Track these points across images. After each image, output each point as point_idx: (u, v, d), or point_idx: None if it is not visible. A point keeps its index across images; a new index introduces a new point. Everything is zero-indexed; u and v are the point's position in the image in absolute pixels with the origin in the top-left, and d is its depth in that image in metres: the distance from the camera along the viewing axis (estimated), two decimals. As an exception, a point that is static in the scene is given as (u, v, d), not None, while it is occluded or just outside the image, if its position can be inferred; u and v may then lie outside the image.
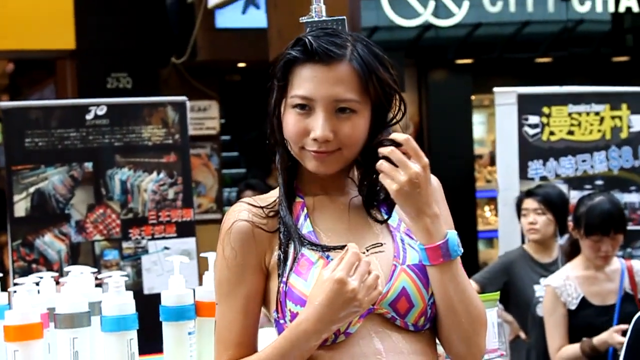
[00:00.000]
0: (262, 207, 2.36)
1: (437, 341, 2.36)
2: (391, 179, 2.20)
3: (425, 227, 2.22)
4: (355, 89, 2.24)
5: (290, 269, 2.26)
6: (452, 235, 2.24)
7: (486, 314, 2.35)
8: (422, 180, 2.20)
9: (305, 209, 2.35)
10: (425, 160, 2.23)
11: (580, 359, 5.03)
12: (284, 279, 2.27)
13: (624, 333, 4.88)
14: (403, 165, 2.20)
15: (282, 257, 2.30)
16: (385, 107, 2.31)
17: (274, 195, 2.41)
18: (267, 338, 3.27)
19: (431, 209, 2.22)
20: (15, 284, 3.11)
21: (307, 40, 2.27)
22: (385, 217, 2.36)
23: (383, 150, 2.21)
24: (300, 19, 3.00)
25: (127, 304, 3.00)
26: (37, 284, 3.31)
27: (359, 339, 2.24)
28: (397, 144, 2.22)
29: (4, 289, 3.32)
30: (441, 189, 2.42)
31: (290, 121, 2.29)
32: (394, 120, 2.34)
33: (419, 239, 2.25)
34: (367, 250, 2.30)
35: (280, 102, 2.33)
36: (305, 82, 2.26)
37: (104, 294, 3.23)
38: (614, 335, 4.91)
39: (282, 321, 2.30)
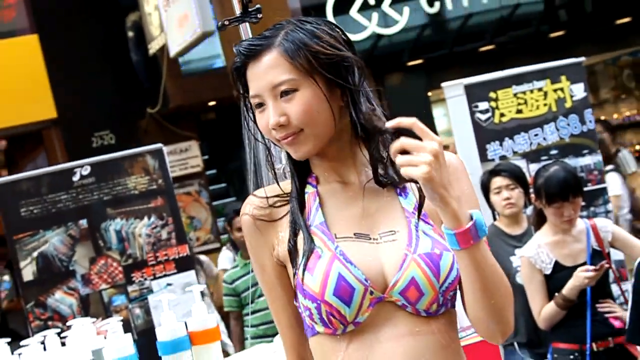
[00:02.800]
0: (266, 197, 2.31)
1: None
2: (415, 166, 1.99)
3: (454, 212, 2.03)
4: (286, 70, 2.17)
5: (302, 264, 2.19)
6: (478, 215, 2.06)
7: (510, 288, 2.19)
8: (442, 157, 2.01)
9: (317, 198, 2.27)
10: (438, 137, 2.03)
11: (559, 313, 5.05)
12: (296, 272, 2.21)
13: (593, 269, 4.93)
14: (421, 148, 2.00)
15: (292, 249, 2.24)
16: (335, 72, 2.19)
17: (289, 184, 2.35)
18: (256, 353, 3.29)
19: (454, 190, 2.04)
20: (20, 346, 3.12)
21: (238, 48, 2.25)
22: (402, 198, 2.25)
23: (395, 146, 2.01)
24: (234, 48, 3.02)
25: (126, 347, 3.02)
26: (43, 342, 3.32)
27: (373, 325, 2.18)
28: (401, 131, 2.03)
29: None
30: (463, 166, 2.28)
31: (258, 121, 2.25)
32: (356, 79, 2.21)
33: (447, 224, 2.05)
34: (380, 238, 2.21)
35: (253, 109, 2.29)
36: (251, 82, 2.23)
37: (105, 340, 3.24)
38: (579, 275, 4.93)
39: (300, 310, 2.25)
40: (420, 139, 2.02)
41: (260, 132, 2.29)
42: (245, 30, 3.01)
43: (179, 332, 3.07)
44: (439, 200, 2.03)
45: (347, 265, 2.16)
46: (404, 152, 2.02)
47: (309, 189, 2.31)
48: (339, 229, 2.23)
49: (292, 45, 2.19)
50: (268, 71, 2.19)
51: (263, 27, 3.03)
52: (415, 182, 2.08)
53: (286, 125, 2.19)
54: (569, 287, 4.96)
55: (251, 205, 2.33)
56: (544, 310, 5.10)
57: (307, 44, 2.19)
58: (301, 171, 2.32)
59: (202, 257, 9.12)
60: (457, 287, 2.22)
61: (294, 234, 2.26)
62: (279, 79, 2.18)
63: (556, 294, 5.03)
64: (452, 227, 2.05)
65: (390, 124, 2.06)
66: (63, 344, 3.38)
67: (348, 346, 2.20)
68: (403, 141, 2.02)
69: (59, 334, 3.39)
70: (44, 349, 3.28)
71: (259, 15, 3.01)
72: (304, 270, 2.18)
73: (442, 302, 2.19)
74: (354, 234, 2.22)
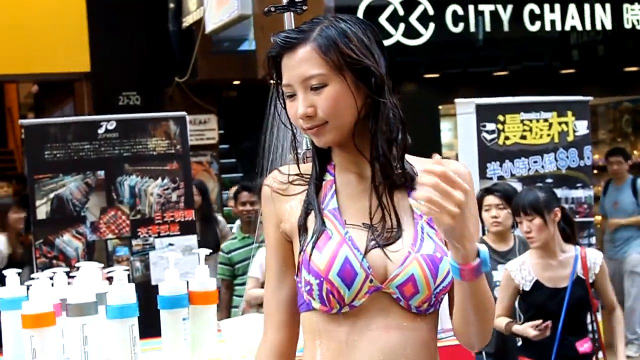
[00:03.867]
0: (287, 174, 2.33)
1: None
2: (440, 212, 1.93)
3: (464, 250, 2.01)
4: (318, 64, 2.18)
5: (311, 242, 2.20)
6: (485, 254, 2.04)
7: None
8: (464, 207, 1.96)
9: (334, 186, 2.29)
10: (466, 186, 1.97)
11: (503, 332, 5.12)
12: (304, 248, 2.22)
13: (538, 328, 4.93)
14: (449, 195, 1.94)
15: (301, 227, 2.26)
16: (362, 74, 2.19)
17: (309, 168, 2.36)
18: (252, 322, 3.29)
19: (470, 232, 2.01)
20: (31, 279, 3.13)
21: (275, 38, 2.26)
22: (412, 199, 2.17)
23: (426, 181, 1.93)
24: (271, 37, 3.01)
25: (129, 295, 3.02)
26: (52, 278, 3.33)
27: (366, 311, 2.19)
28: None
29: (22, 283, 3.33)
30: (471, 177, 2.25)
31: (288, 109, 2.27)
32: (377, 81, 2.19)
33: (455, 257, 2.03)
34: (387, 232, 2.22)
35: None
36: (284, 72, 2.24)
37: (110, 286, 3.25)
38: (528, 330, 4.96)
39: (299, 285, 2.25)
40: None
41: (288, 118, 2.30)
42: (289, 19, 3.00)
43: (180, 289, 3.08)
44: (453, 242, 2.02)
45: (354, 250, 2.17)
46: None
47: (327, 177, 2.32)
48: (349, 217, 2.24)
49: (325, 41, 2.19)
50: (301, 64, 2.20)
51: (297, 20, 3.05)
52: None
53: (313, 117, 2.20)
54: (519, 330, 5.00)
55: (273, 179, 2.35)
56: (498, 319, 5.11)
57: (338, 43, 2.19)
58: (322, 158, 2.33)
59: (219, 217, 9.14)
60: (448, 292, 2.23)
61: (305, 213, 2.27)
62: (310, 72, 2.19)
63: (510, 320, 5.07)
64: (459, 262, 2.04)
65: (425, 171, 1.96)
66: (68, 284, 3.39)
67: (339, 326, 2.21)
68: (438, 183, 1.94)
69: (67, 273, 3.41)
70: (52, 285, 3.30)
71: (304, 7, 3.00)
72: (313, 247, 2.20)
73: (432, 303, 2.20)
74: (362, 224, 2.23)
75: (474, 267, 2.03)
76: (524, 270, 5.12)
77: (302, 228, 2.26)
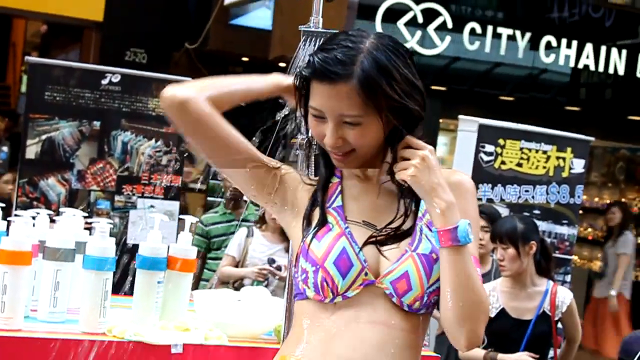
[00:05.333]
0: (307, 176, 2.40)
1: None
2: (405, 169, 2.15)
3: (441, 211, 2.14)
4: (357, 105, 2.14)
5: (312, 232, 2.25)
6: (463, 223, 2.14)
7: (487, 305, 2.25)
8: (431, 160, 2.14)
9: (339, 187, 2.33)
10: (429, 146, 2.18)
11: None
12: (304, 239, 2.26)
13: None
14: (412, 153, 2.15)
15: (305, 220, 2.29)
16: (401, 110, 2.18)
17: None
18: (225, 297, 3.28)
19: (447, 195, 2.15)
20: (15, 215, 3.11)
21: (313, 59, 2.19)
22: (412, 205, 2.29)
23: (399, 152, 2.19)
24: (300, 27, 2.99)
25: (108, 248, 3.01)
26: (34, 218, 3.31)
27: (357, 304, 2.22)
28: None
29: (4, 218, 3.31)
30: (474, 189, 2.33)
31: (312, 126, 2.25)
32: (415, 120, 2.21)
33: (434, 222, 2.16)
34: (386, 231, 2.25)
35: (307, 106, 2.26)
36: (316, 95, 2.19)
37: (90, 236, 3.23)
38: (522, 357, 4.95)
39: (295, 275, 2.28)
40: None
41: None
42: (317, 4, 2.98)
43: (160, 252, 3.06)
44: (426, 200, 2.16)
45: (352, 243, 2.22)
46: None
47: (334, 179, 2.36)
48: (350, 214, 2.29)
49: (368, 83, 2.14)
50: (339, 100, 2.16)
51: (326, 8, 3.03)
52: (407, 184, 2.18)
53: (341, 146, 2.21)
54: (505, 359, 4.98)
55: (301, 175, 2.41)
56: (471, 351, 5.10)
57: (383, 85, 2.14)
58: (330, 163, 2.34)
59: None
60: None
61: (310, 208, 2.31)
62: (348, 112, 2.16)
63: (490, 349, 5.04)
64: (437, 226, 2.15)
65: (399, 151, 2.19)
66: (50, 227, 3.37)
67: (330, 316, 2.24)
68: (401, 151, 2.18)
69: (49, 216, 3.39)
70: (33, 225, 3.28)
71: (334, -5, 2.99)
72: (312, 237, 2.24)
73: (424, 302, 2.23)
74: (363, 221, 2.27)
75: (448, 231, 2.14)
76: (492, 296, 5.12)
77: (306, 222, 2.30)
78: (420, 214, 2.28)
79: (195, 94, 2.24)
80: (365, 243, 2.23)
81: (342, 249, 2.21)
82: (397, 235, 2.25)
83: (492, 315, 5.07)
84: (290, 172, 2.38)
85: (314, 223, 2.28)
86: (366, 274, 2.21)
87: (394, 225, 2.25)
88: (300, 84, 2.26)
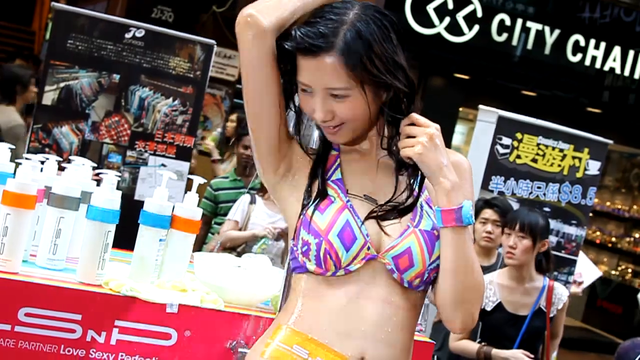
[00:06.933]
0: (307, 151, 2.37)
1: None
2: (412, 146, 2.16)
3: (446, 190, 2.16)
4: (342, 78, 2.14)
5: (313, 204, 2.23)
6: (467, 204, 2.17)
7: (484, 288, 2.28)
8: (438, 138, 2.16)
9: (338, 160, 2.32)
10: (435, 124, 2.19)
11: (471, 357, 5.04)
12: (305, 211, 2.24)
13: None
14: (419, 131, 2.16)
15: (306, 193, 2.28)
16: (385, 85, 2.19)
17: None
18: (225, 262, 3.26)
19: (452, 175, 2.17)
20: (25, 158, 3.09)
21: (294, 32, 2.17)
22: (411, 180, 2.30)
23: (403, 129, 2.20)
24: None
25: (114, 201, 2.98)
26: (43, 163, 3.29)
27: (357, 279, 2.21)
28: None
29: (13, 160, 3.29)
30: (471, 170, 2.35)
31: (302, 101, 2.26)
32: (397, 96, 2.21)
33: (438, 201, 2.18)
34: (387, 206, 2.26)
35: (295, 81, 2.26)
36: (302, 70, 2.19)
37: (97, 187, 3.22)
38: (518, 355, 4.93)
39: (295, 248, 2.27)
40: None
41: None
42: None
43: (165, 210, 3.04)
44: (432, 178, 2.17)
45: (355, 217, 2.21)
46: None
47: (332, 152, 2.36)
48: (351, 188, 2.28)
49: (352, 56, 2.13)
50: (324, 73, 2.16)
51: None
52: (413, 162, 2.19)
53: (331, 120, 2.22)
54: (500, 355, 4.95)
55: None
56: (463, 342, 5.08)
57: (365, 61, 2.14)
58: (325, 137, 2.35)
59: None
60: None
61: (311, 180, 2.30)
62: (334, 84, 2.17)
63: (484, 343, 5.02)
64: (439, 204, 2.18)
65: (402, 125, 2.21)
66: (57, 174, 3.36)
67: (330, 291, 2.23)
68: (405, 128, 2.19)
69: (59, 163, 3.37)
70: (41, 170, 3.26)
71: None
72: (314, 209, 2.23)
73: (424, 279, 2.24)
74: (364, 196, 2.27)
75: (452, 210, 2.16)
76: (489, 289, 5.11)
77: (306, 194, 2.28)
78: (415, 192, 2.28)
79: (274, 26, 2.20)
80: (367, 217, 2.22)
81: (345, 221, 2.19)
82: (399, 211, 2.25)
83: (489, 308, 5.06)
84: (297, 143, 2.36)
85: (313, 195, 2.26)
86: (369, 249, 2.20)
87: (397, 200, 2.25)
88: (282, 57, 2.22)
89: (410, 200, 2.26)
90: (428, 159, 2.15)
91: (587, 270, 7.93)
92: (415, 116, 2.19)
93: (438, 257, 2.22)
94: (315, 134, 2.45)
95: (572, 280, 7.08)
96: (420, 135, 2.15)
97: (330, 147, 2.35)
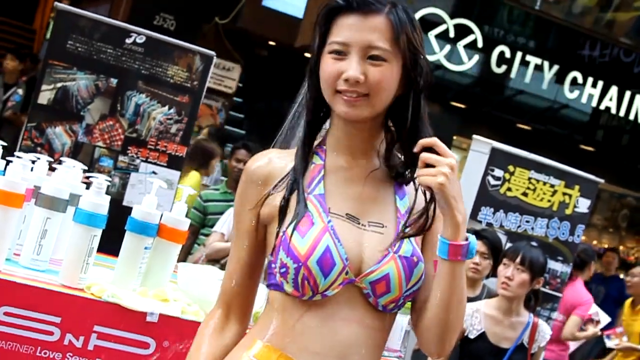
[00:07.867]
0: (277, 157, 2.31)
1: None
2: (433, 175, 2.10)
3: (457, 224, 2.12)
4: (388, 39, 2.17)
5: (292, 223, 2.18)
6: (473, 239, 2.16)
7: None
8: (456, 171, 2.14)
9: (322, 171, 2.27)
10: (455, 155, 2.17)
11: None
12: (284, 229, 2.19)
13: None
14: (440, 161, 2.11)
15: (283, 207, 2.23)
16: (412, 67, 2.21)
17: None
18: (209, 274, 3.25)
19: (463, 207, 2.14)
20: (16, 156, 3.08)
21: None
22: (399, 198, 2.29)
23: (423, 142, 2.16)
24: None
25: (101, 205, 2.97)
26: (34, 162, 3.28)
27: (334, 303, 2.19)
28: (425, 149, 2.16)
29: (4, 157, 3.28)
30: (460, 190, 2.30)
31: (326, 65, 2.21)
32: (424, 77, 2.24)
33: (446, 233, 2.13)
34: (368, 225, 2.23)
35: (320, 51, 2.25)
36: (343, 29, 2.20)
37: (86, 190, 3.20)
38: None
39: (273, 265, 2.22)
40: (438, 154, 2.13)
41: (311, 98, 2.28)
42: None
43: (153, 217, 3.03)
44: (448, 209, 2.12)
45: (335, 241, 2.17)
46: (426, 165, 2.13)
47: (316, 160, 2.30)
48: (333, 205, 2.23)
49: (400, 21, 2.19)
50: (372, 31, 2.19)
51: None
52: (430, 190, 2.14)
53: (359, 85, 2.18)
54: None
55: (256, 161, 2.31)
56: None
57: (408, 29, 2.20)
58: (313, 137, 2.31)
59: None
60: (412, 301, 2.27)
61: (289, 192, 2.24)
62: (378, 43, 2.18)
63: None
64: (448, 237, 2.13)
65: (418, 145, 2.16)
66: (47, 174, 3.34)
67: (305, 312, 2.21)
68: (426, 155, 2.13)
69: (50, 163, 3.36)
70: (31, 169, 3.25)
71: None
72: (294, 230, 2.17)
73: (399, 304, 2.23)
74: (346, 214, 2.23)
75: (461, 246, 2.12)
76: (475, 317, 5.11)
77: (284, 209, 2.23)
78: (402, 210, 2.27)
79: None
80: (348, 240, 2.19)
81: (326, 247, 2.16)
82: (380, 233, 2.23)
83: (472, 336, 5.06)
84: (254, 197, 2.30)
85: (292, 212, 2.21)
86: (347, 273, 2.18)
87: (377, 221, 2.24)
88: (323, 20, 2.24)
89: (392, 223, 2.24)
90: (448, 190, 2.10)
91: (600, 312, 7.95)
92: (438, 142, 2.15)
93: (415, 284, 2.21)
94: (299, 135, 2.35)
95: (586, 317, 7.09)
96: (442, 166, 2.11)
97: (313, 154, 2.30)
